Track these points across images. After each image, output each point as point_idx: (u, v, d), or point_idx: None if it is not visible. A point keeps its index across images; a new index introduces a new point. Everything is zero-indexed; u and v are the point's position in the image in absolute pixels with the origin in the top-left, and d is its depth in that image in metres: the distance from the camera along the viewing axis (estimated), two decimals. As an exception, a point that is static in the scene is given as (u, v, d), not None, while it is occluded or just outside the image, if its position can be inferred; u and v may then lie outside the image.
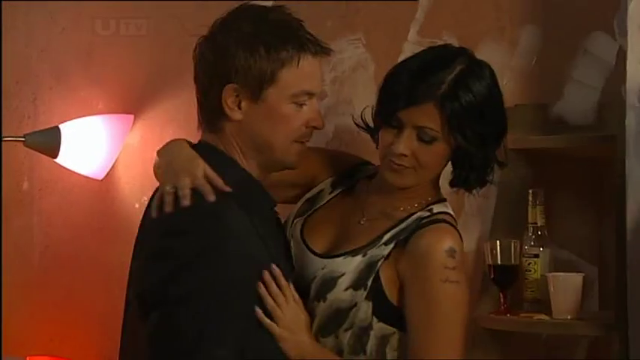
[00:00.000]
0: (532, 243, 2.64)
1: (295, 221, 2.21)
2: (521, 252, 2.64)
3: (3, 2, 3.09)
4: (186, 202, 1.94)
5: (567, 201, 2.75)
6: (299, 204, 2.23)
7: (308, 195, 2.24)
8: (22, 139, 2.92)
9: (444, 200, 2.19)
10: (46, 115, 3.09)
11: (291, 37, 2.02)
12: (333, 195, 2.23)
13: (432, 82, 2.08)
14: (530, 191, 2.66)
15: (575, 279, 2.57)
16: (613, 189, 2.50)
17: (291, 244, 2.17)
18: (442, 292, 2.05)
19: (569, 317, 2.55)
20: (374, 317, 2.08)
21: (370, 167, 2.28)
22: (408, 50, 2.86)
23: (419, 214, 2.13)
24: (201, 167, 1.99)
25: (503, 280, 2.65)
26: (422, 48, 2.84)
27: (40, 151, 2.97)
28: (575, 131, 2.67)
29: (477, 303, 2.74)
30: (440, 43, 2.84)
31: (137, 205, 3.12)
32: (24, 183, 3.11)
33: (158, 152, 2.10)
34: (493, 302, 2.70)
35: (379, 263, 2.09)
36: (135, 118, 3.09)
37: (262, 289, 1.97)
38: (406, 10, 2.88)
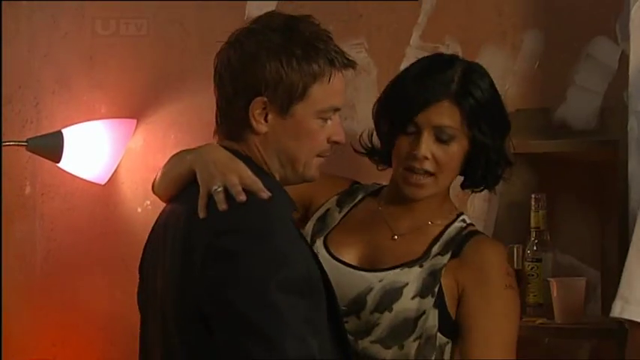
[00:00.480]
0: (535, 247, 2.64)
1: (315, 240, 2.21)
2: (523, 256, 2.64)
3: (6, 8, 3.10)
4: (242, 197, 1.86)
5: (570, 205, 2.75)
6: (311, 224, 2.23)
7: (317, 214, 2.23)
8: (25, 143, 2.92)
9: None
10: (48, 119, 3.10)
11: (323, 51, 1.95)
12: (343, 214, 2.23)
13: (442, 81, 2.12)
14: (533, 196, 2.65)
15: (578, 283, 2.57)
16: (615, 193, 2.50)
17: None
18: (506, 296, 2.12)
19: (571, 322, 2.55)
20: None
21: (367, 185, 2.28)
22: (411, 55, 2.86)
23: (456, 225, 2.17)
24: (245, 167, 1.93)
25: (505, 284, 2.65)
26: (424, 52, 2.86)
27: (42, 156, 2.97)
28: (577, 136, 2.67)
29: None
30: (442, 47, 2.85)
31: (140, 210, 3.12)
32: (26, 187, 3.11)
33: (185, 155, 2.01)
34: (495, 307, 2.70)
35: (442, 271, 2.11)
36: (137, 123, 3.09)
37: None
38: (408, 14, 2.88)
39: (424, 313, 2.09)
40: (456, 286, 2.11)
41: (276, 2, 2.98)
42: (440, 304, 2.10)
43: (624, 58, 2.57)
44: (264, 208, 1.88)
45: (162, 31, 3.01)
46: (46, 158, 2.96)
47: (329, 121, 1.98)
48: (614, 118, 2.58)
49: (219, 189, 1.89)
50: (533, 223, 2.65)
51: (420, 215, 2.18)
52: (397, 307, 2.09)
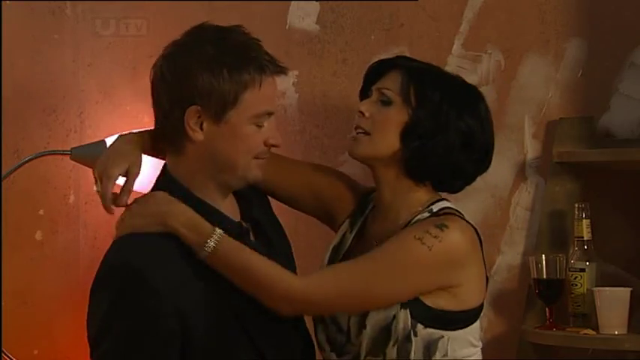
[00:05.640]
0: (578, 257, 2.63)
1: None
2: (566, 266, 2.63)
3: (50, 18, 3.12)
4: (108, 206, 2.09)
5: (614, 214, 2.73)
6: (327, 253, 2.25)
7: (334, 242, 2.25)
8: (69, 152, 2.94)
9: (444, 199, 2.18)
10: (92, 128, 3.12)
11: (253, 60, 2.03)
12: (354, 234, 2.24)
13: (400, 57, 2.26)
14: (576, 205, 2.64)
15: (622, 293, 2.55)
16: (660, 202, 2.49)
17: None
18: (407, 242, 2.06)
19: (616, 332, 2.53)
20: (418, 324, 2.07)
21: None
22: (453, 63, 2.86)
23: (419, 216, 2.14)
24: (129, 165, 2.11)
25: (548, 294, 2.63)
26: (466, 61, 2.86)
27: (86, 165, 2.99)
28: (621, 144, 2.65)
29: (522, 317, 2.73)
30: (484, 55, 2.85)
31: (182, 218, 3.14)
32: (70, 196, 3.13)
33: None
34: (539, 317, 2.69)
35: None
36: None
37: None
38: (450, 22, 2.87)
39: (394, 317, 2.07)
40: None
41: (318, 9, 2.98)
42: (410, 301, 2.07)
43: (669, 67, 2.55)
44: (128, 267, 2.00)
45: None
46: (90, 167, 2.97)
47: (265, 125, 2.05)
48: (658, 126, 2.56)
49: (99, 190, 2.10)
50: (576, 233, 2.63)
51: (390, 216, 2.18)
52: (369, 321, 2.09)
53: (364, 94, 2.23)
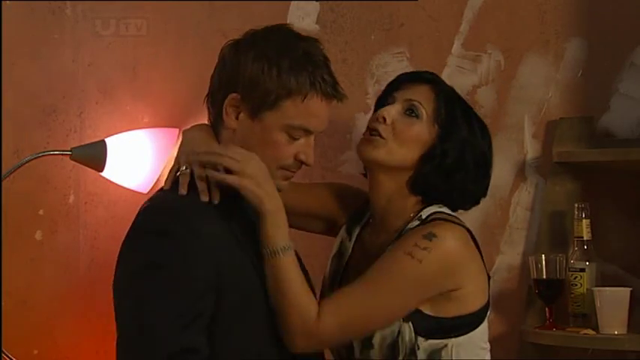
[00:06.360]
0: (578, 257, 2.63)
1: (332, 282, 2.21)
2: (566, 266, 2.63)
3: (50, 17, 3.12)
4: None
5: (614, 214, 2.73)
6: (328, 265, 2.23)
7: (333, 252, 2.23)
8: (69, 152, 2.94)
9: (433, 204, 2.15)
10: (92, 128, 3.11)
11: (308, 71, 2.01)
12: (353, 242, 2.22)
13: (430, 73, 2.20)
14: (576, 205, 2.64)
15: (622, 293, 2.55)
16: (660, 202, 2.49)
17: None
18: (398, 260, 2.03)
19: (616, 332, 2.53)
20: (420, 337, 2.06)
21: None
22: (453, 63, 2.86)
23: (410, 224, 2.11)
24: (212, 149, 2.01)
25: (548, 294, 2.63)
26: (466, 61, 2.86)
27: (86, 165, 2.99)
28: (621, 144, 2.66)
29: (522, 317, 2.73)
30: (484, 55, 2.84)
31: (182, 219, 3.13)
32: (70, 196, 3.13)
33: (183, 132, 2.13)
34: (539, 317, 2.68)
35: None
36: (179, 132, 3.10)
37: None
38: (450, 22, 2.87)
39: (399, 332, 2.05)
40: None
41: (317, 9, 2.98)
42: (410, 314, 2.05)
43: (669, 67, 2.55)
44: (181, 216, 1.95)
45: (205, 40, 3.02)
46: (90, 167, 2.98)
47: (300, 140, 2.02)
48: (658, 126, 2.57)
49: (187, 170, 2.01)
50: (576, 233, 2.63)
51: (385, 224, 2.15)
52: (375, 340, 2.07)
53: (384, 100, 2.18)
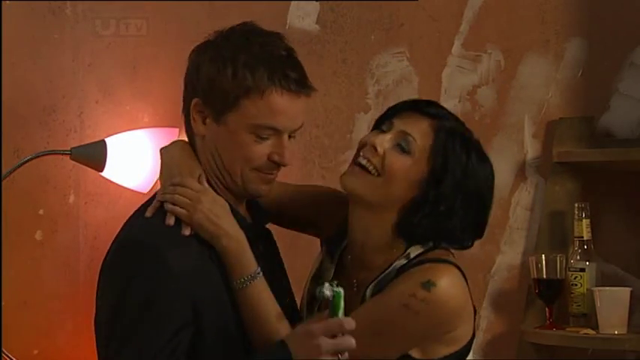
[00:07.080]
0: (578, 257, 2.63)
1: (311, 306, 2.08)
2: (566, 266, 2.63)
3: (50, 17, 3.12)
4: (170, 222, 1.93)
5: (614, 214, 2.73)
6: (306, 285, 2.09)
7: (312, 272, 2.09)
8: (69, 152, 2.94)
9: (421, 242, 1.99)
10: (92, 128, 3.12)
11: (266, 68, 1.90)
12: (334, 265, 2.06)
13: (436, 106, 2.01)
14: (576, 205, 2.64)
15: (622, 293, 2.55)
16: (660, 202, 2.49)
17: None
18: (393, 311, 1.90)
19: (615, 332, 2.53)
20: None
21: None
22: (453, 63, 2.86)
23: (396, 262, 1.96)
24: (191, 173, 1.95)
25: (548, 294, 2.63)
26: (466, 61, 2.86)
27: (86, 165, 2.99)
28: (621, 144, 2.65)
29: (522, 317, 2.73)
30: (484, 55, 2.85)
31: (182, 218, 3.13)
32: (70, 196, 3.13)
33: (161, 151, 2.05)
34: (539, 317, 2.68)
35: None
36: (180, 132, 3.10)
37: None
38: (450, 22, 2.87)
39: None
40: None
41: (318, 9, 2.98)
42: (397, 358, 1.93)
43: (669, 66, 2.55)
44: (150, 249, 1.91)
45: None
46: (90, 167, 2.98)
47: (270, 139, 1.92)
48: (658, 126, 2.57)
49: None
50: (576, 233, 2.63)
51: (365, 259, 2.00)
52: None
53: (381, 123, 2.00)
